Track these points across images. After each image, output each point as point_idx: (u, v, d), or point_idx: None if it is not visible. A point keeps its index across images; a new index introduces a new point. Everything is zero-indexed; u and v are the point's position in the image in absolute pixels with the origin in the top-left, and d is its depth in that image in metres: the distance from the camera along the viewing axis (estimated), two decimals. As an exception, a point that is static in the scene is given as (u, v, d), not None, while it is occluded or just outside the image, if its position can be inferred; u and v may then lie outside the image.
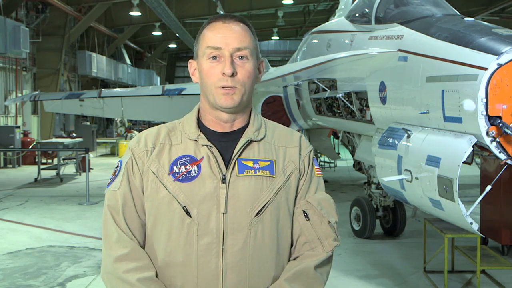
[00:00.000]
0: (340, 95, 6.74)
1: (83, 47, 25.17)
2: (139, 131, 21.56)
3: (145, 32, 31.52)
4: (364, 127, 6.78)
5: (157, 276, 1.78)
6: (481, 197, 4.27)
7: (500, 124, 3.94)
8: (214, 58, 1.79)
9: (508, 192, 6.71)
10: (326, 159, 16.61)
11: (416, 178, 4.70)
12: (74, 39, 22.89)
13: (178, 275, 1.77)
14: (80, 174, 15.00)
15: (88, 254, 7.06)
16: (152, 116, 15.64)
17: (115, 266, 1.77)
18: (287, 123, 9.43)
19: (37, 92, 16.13)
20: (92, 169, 15.06)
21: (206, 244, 1.75)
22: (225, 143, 1.84)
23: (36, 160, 15.46)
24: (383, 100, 5.64)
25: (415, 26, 5.37)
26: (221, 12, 15.69)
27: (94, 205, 10.40)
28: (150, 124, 22.16)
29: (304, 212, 1.87)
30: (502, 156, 4.02)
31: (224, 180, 1.77)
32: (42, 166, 14.50)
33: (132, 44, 32.97)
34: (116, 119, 23.42)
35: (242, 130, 1.86)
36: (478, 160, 7.66)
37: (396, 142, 5.11)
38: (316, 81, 7.26)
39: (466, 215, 4.13)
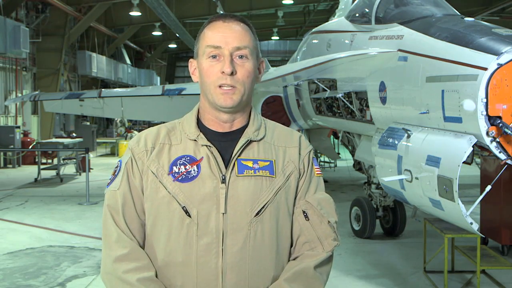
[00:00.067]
0: (340, 95, 6.74)
1: (83, 47, 25.17)
2: (139, 131, 21.52)
3: (145, 32, 31.52)
4: (364, 127, 6.78)
5: (156, 276, 1.78)
6: (481, 197, 4.27)
7: (500, 124, 3.94)
8: (214, 57, 1.79)
9: (508, 192, 6.71)
10: (326, 159, 16.61)
11: (416, 178, 4.70)
12: (74, 39, 22.89)
13: (177, 275, 1.77)
14: (80, 174, 15.00)
15: (88, 254, 7.06)
16: (152, 116, 15.64)
17: (115, 266, 1.77)
18: (287, 123, 9.42)
19: (37, 92, 16.12)
20: (92, 169, 15.06)
21: (205, 244, 1.75)
22: (224, 143, 1.83)
23: (36, 160, 15.46)
24: (383, 100, 5.64)
25: (415, 26, 5.37)
26: (221, 12, 15.70)
27: (94, 205, 10.40)
28: (150, 124, 22.15)
29: (303, 212, 1.86)
30: (502, 156, 4.02)
31: (223, 180, 1.77)
32: (42, 166, 14.50)
33: (132, 44, 32.97)
34: (116, 119, 23.41)
35: (241, 130, 1.86)
36: (478, 160, 7.66)
37: (396, 142, 5.11)
38: (316, 81, 7.26)
39: (466, 215, 4.13)
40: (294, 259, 1.86)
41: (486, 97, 3.97)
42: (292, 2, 24.09)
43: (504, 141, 4.01)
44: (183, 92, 11.90)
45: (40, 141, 17.96)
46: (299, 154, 1.90)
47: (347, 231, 7.98)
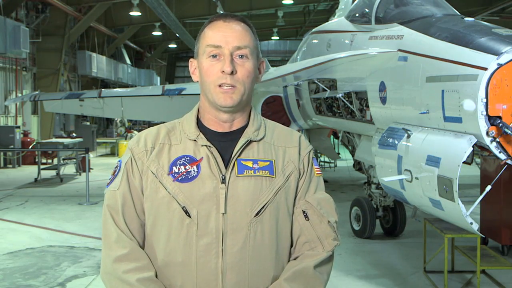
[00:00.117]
0: (340, 95, 6.74)
1: (83, 47, 25.16)
2: (139, 131, 21.45)
3: (145, 32, 31.52)
4: (364, 127, 6.78)
5: (156, 276, 1.78)
6: (481, 197, 4.27)
7: (500, 124, 3.94)
8: (214, 56, 1.79)
9: (508, 192, 6.71)
10: (326, 159, 16.61)
11: (416, 178, 4.70)
12: (74, 39, 22.89)
13: (177, 275, 1.77)
14: (80, 174, 15.00)
15: (88, 254, 7.06)
16: (152, 116, 15.64)
17: (115, 266, 1.77)
18: (287, 123, 9.42)
19: (37, 92, 16.12)
20: (92, 169, 15.06)
21: (205, 244, 1.75)
22: (224, 143, 1.83)
23: (36, 160, 15.46)
24: (383, 100, 5.64)
25: (415, 26, 5.37)
26: (221, 12, 15.71)
27: (94, 205, 10.40)
28: (150, 124, 22.16)
29: (303, 212, 1.86)
30: (502, 156, 4.02)
31: (223, 181, 1.77)
32: (42, 166, 14.50)
33: (132, 44, 32.97)
34: (116, 119, 23.41)
35: (241, 130, 1.86)
36: (478, 160, 7.66)
37: (396, 142, 5.11)
38: (316, 81, 7.26)
39: (466, 215, 4.12)
40: (294, 259, 1.86)
41: (486, 97, 3.97)
42: (292, 2, 24.09)
43: (504, 141, 4.01)
44: (183, 92, 11.90)
45: (40, 141, 17.96)
46: (299, 154, 1.90)
47: (347, 231, 7.98)
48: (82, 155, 14.40)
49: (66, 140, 16.51)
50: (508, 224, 6.73)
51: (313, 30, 8.70)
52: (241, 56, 1.79)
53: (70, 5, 20.60)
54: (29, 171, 15.59)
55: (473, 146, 4.15)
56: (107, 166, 16.85)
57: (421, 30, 5.16)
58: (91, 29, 24.63)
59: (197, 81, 1.89)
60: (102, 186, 11.53)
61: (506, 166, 4.26)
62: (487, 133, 4.00)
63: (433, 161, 4.42)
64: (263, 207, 1.79)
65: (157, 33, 29.29)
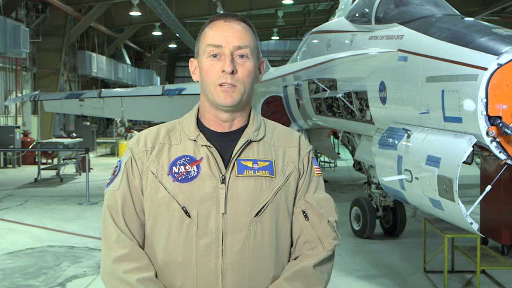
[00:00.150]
0: (340, 95, 6.74)
1: (83, 47, 25.16)
2: (139, 131, 21.41)
3: (145, 32, 31.52)
4: (364, 127, 6.78)
5: (156, 276, 1.78)
6: (481, 197, 4.27)
7: (500, 124, 3.94)
8: (214, 56, 1.79)
9: (508, 192, 6.70)
10: (326, 159, 16.61)
11: (416, 178, 4.70)
12: (74, 39, 22.89)
13: (177, 275, 1.77)
14: (80, 174, 15.00)
15: (88, 254, 7.06)
16: (152, 116, 15.64)
17: (115, 267, 1.77)
18: (287, 123, 9.42)
19: (37, 92, 16.12)
20: (92, 169, 15.06)
21: (205, 244, 1.75)
22: (224, 143, 1.83)
23: (36, 160, 15.46)
24: (383, 100, 5.64)
25: (415, 26, 5.37)
26: (222, 12, 15.69)
27: (94, 205, 10.40)
28: (150, 124, 22.16)
29: (303, 212, 1.86)
30: (502, 156, 4.02)
31: (223, 181, 1.77)
32: (42, 166, 14.50)
33: (132, 44, 32.97)
34: (116, 119, 23.41)
35: (241, 130, 1.86)
36: (478, 160, 7.66)
37: (396, 142, 5.11)
38: (316, 81, 7.26)
39: (466, 215, 4.12)
40: (294, 259, 1.86)
41: (486, 97, 3.97)
42: (292, 2, 24.09)
43: (504, 141, 4.01)
44: (183, 92, 11.90)
45: (40, 141, 17.96)
46: (299, 154, 1.90)
47: (347, 231, 7.98)
48: (82, 155, 14.40)
49: (66, 140, 16.51)
50: (508, 224, 6.73)
51: (313, 30, 8.70)
52: (242, 56, 1.79)
53: (70, 5, 20.60)
54: (29, 171, 15.59)
55: (473, 146, 4.15)
56: (107, 166, 16.85)
57: (421, 30, 5.17)
58: (91, 29, 24.64)
59: (197, 81, 1.89)
60: (102, 186, 11.52)
61: (506, 166, 4.26)
62: (487, 133, 4.00)
63: (433, 161, 4.42)
64: (263, 207, 1.79)
65: (157, 33, 29.29)
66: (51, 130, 20.67)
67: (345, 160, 16.68)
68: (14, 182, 13.77)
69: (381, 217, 7.89)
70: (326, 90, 7.14)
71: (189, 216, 1.77)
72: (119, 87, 26.78)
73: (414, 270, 6.40)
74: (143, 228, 1.85)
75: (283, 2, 23.79)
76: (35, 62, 21.00)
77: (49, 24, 20.94)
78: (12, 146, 16.16)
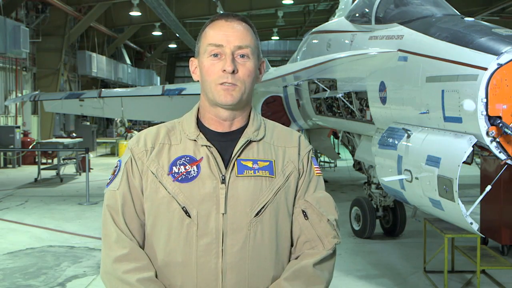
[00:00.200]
0: (340, 95, 6.74)
1: (83, 47, 25.16)
2: (139, 131, 21.43)
3: (145, 32, 31.51)
4: (364, 127, 6.78)
5: (156, 276, 1.78)
6: (481, 197, 4.27)
7: (500, 124, 3.94)
8: (215, 55, 1.79)
9: (508, 192, 6.71)
10: (326, 159, 16.61)
11: (416, 178, 4.70)
12: (74, 39, 22.88)
13: (177, 275, 1.77)
14: (80, 174, 15.00)
15: (88, 254, 7.06)
16: (152, 116, 15.63)
17: (115, 267, 1.77)
18: (287, 123, 9.42)
19: (37, 92, 16.12)
20: (92, 169, 15.06)
21: (205, 244, 1.75)
22: (224, 143, 1.84)
23: (36, 160, 15.46)
24: (383, 100, 5.64)
25: (415, 26, 5.37)
26: (222, 12, 15.64)
27: (94, 205, 10.40)
28: (150, 124, 22.15)
29: (303, 211, 1.87)
30: (502, 156, 4.02)
31: (223, 181, 1.77)
32: (42, 166, 14.50)
33: (132, 44, 32.97)
34: (116, 119, 23.41)
35: (241, 130, 1.86)
36: (478, 160, 7.66)
37: (396, 142, 5.11)
38: (316, 81, 7.26)
39: (466, 215, 4.12)
40: (295, 259, 1.86)
41: (486, 97, 3.97)
42: (292, 2, 24.08)
43: (504, 141, 4.01)
44: (183, 92, 11.90)
45: (40, 141, 17.96)
46: (299, 154, 1.90)
47: (347, 231, 7.98)
48: (82, 155, 14.40)
49: (66, 140, 16.50)
50: (508, 224, 6.73)
51: (313, 30, 8.70)
52: (242, 56, 1.80)
53: (70, 5, 20.60)
54: (29, 171, 15.59)
55: (473, 146, 4.15)
56: (107, 166, 16.85)
57: (421, 30, 5.16)
58: (91, 29, 24.63)
59: (198, 80, 1.89)
60: (102, 186, 11.51)
61: (506, 166, 4.26)
62: (487, 133, 4.00)
63: (433, 161, 4.42)
64: (263, 207, 1.79)
65: (157, 33, 29.28)
66: (51, 130, 20.67)
67: (345, 160, 16.68)
68: (14, 182, 13.77)
69: (381, 217, 7.89)
70: (326, 90, 7.14)
71: (189, 216, 1.77)
72: (119, 87, 26.78)
73: (414, 270, 6.40)
74: (143, 228, 1.85)
75: (283, 2, 23.79)
76: (35, 62, 21.00)
77: (49, 24, 20.94)
78: (12, 146, 16.16)
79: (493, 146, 4.03)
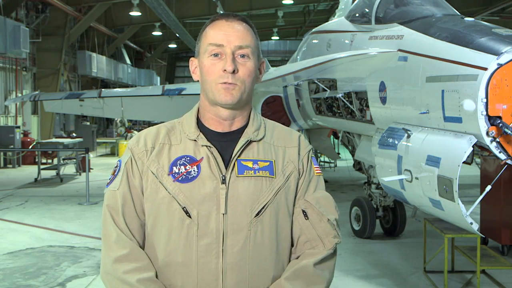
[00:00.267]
0: (340, 95, 6.74)
1: (83, 47, 25.16)
2: (139, 131, 21.42)
3: (145, 32, 31.52)
4: (364, 127, 6.78)
5: (157, 277, 1.78)
6: (481, 197, 4.27)
7: (500, 124, 3.94)
8: (215, 55, 1.79)
9: (508, 192, 6.71)
10: (326, 159, 16.61)
11: (416, 178, 4.70)
12: (74, 39, 22.88)
13: (178, 276, 1.77)
14: (80, 174, 15.00)
15: (88, 254, 7.06)
16: (152, 116, 15.64)
17: (115, 267, 1.77)
18: (287, 123, 9.42)
19: (37, 92, 16.12)
20: (92, 169, 15.06)
21: (206, 244, 1.75)
22: (224, 143, 1.83)
23: (36, 160, 15.46)
24: (383, 100, 5.64)
25: (415, 26, 5.37)
26: (222, 12, 15.62)
27: (94, 205, 10.40)
28: (150, 124, 22.15)
29: (303, 211, 1.87)
30: (502, 156, 4.02)
31: (223, 181, 1.77)
32: (42, 166, 14.50)
33: (132, 44, 32.97)
34: (116, 119, 23.41)
35: (241, 130, 1.86)
36: (478, 160, 7.66)
37: (396, 142, 5.11)
38: (316, 81, 7.26)
39: (466, 215, 4.12)
40: (296, 259, 1.86)
41: (486, 97, 3.96)
42: (292, 2, 24.09)
43: (504, 141, 4.01)
44: (183, 92, 11.90)
45: (40, 141, 17.96)
46: (299, 154, 1.90)
47: (347, 231, 7.98)
48: (82, 155, 14.40)
49: (66, 140, 16.51)
50: (508, 224, 6.73)
51: (313, 30, 8.70)
52: (243, 56, 1.80)
53: (70, 5, 20.60)
54: (29, 171, 15.59)
55: (473, 146, 4.15)
56: (107, 166, 16.85)
57: (421, 30, 5.16)
58: (91, 29, 24.64)
59: (197, 80, 1.89)
60: (102, 186, 11.50)
61: (506, 166, 4.26)
62: (487, 133, 4.00)
63: (433, 161, 4.42)
64: (263, 208, 1.79)
65: (157, 33, 29.28)
66: (51, 130, 20.67)
67: (345, 160, 16.68)
68: (14, 182, 13.77)
69: (381, 217, 7.89)
70: (326, 90, 7.14)
71: (190, 217, 1.77)
72: (119, 87, 26.78)
73: (414, 270, 6.40)
74: (143, 228, 1.85)
75: (283, 2, 23.79)
76: (35, 62, 21.00)
77: (49, 24, 20.95)
78: (12, 146, 16.16)
79: (493, 146, 4.03)
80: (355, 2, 7.24)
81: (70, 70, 24.23)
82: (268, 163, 1.83)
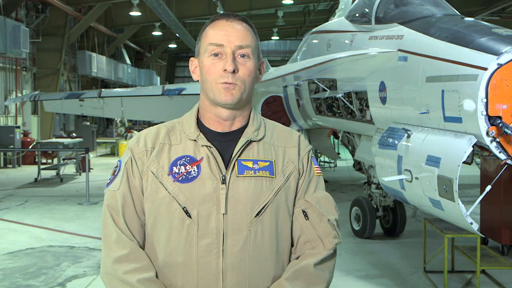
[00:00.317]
0: (340, 95, 6.74)
1: (83, 47, 25.16)
2: (139, 131, 21.42)
3: (145, 32, 31.52)
4: (364, 127, 6.78)
5: (157, 277, 1.78)
6: (481, 197, 4.27)
7: (500, 124, 3.94)
8: (216, 55, 1.79)
9: (508, 192, 6.71)
10: (326, 159, 16.61)
11: (416, 178, 4.70)
12: (74, 39, 22.89)
13: (178, 276, 1.77)
14: (80, 174, 15.00)
15: (88, 254, 7.06)
16: (152, 116, 15.64)
17: (115, 267, 1.77)
18: (287, 123, 9.42)
19: (37, 92, 16.12)
20: (92, 169, 15.06)
21: (206, 244, 1.75)
22: (224, 143, 1.83)
23: (36, 160, 15.46)
24: (383, 100, 5.64)
25: (415, 26, 5.37)
26: (222, 12, 15.64)
27: (94, 205, 10.40)
28: (150, 124, 22.15)
29: (303, 211, 1.87)
30: (502, 156, 4.02)
31: (224, 181, 1.77)
32: (42, 166, 14.50)
33: (132, 44, 32.97)
34: (116, 119, 23.41)
35: (241, 130, 1.86)
36: (478, 160, 7.66)
37: (396, 142, 5.11)
38: (316, 81, 7.27)
39: (466, 215, 4.12)
40: (296, 259, 1.86)
41: (486, 97, 3.97)
42: (292, 2, 24.08)
43: (504, 141, 4.01)
44: (183, 92, 11.90)
45: (40, 141, 17.96)
46: (299, 154, 1.90)
47: (347, 231, 7.98)
48: (82, 155, 14.40)
49: (66, 140, 16.50)
50: (508, 224, 6.73)
51: (313, 30, 8.70)
52: (243, 56, 1.80)
53: (70, 5, 20.60)
54: (29, 171, 15.59)
55: (473, 146, 4.15)
56: (107, 166, 16.85)
57: (421, 30, 5.16)
58: (91, 29, 24.64)
59: (197, 80, 1.89)
60: (102, 186, 11.50)
61: (506, 166, 4.26)
62: (487, 133, 4.00)
63: (433, 161, 4.42)
64: (263, 208, 1.79)
65: (157, 33, 29.29)
66: (51, 130, 20.67)
67: (345, 160, 16.68)
68: (14, 182, 13.77)
69: (381, 217, 7.89)
70: (326, 90, 7.14)
71: (190, 217, 1.77)
72: (119, 87, 26.78)
73: (414, 270, 6.40)
74: (143, 228, 1.85)
75: (283, 2, 23.79)
76: (35, 62, 21.00)
77: (49, 24, 20.95)
78: (12, 146, 16.16)
79: (493, 146, 4.03)
80: (355, 2, 7.24)
81: (70, 70, 24.23)
82: (268, 163, 1.83)
